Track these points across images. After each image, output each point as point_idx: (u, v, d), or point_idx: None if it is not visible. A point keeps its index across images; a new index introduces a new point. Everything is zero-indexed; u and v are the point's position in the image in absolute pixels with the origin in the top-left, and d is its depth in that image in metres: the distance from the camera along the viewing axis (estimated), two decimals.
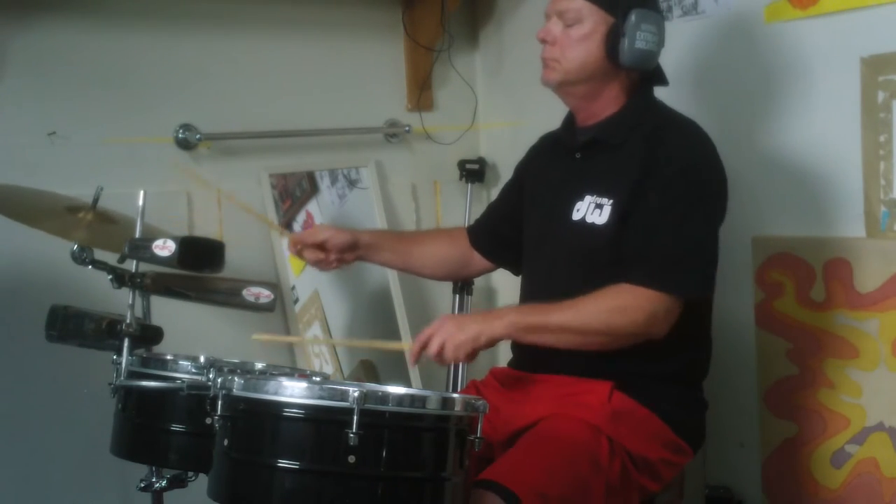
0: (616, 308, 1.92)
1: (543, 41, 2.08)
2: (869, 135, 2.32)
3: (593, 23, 2.01)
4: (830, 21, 2.38)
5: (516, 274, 2.38)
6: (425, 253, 2.42)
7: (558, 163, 2.19)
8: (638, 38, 2.00)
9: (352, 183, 3.10)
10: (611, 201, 2.01)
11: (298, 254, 2.33)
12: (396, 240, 2.47)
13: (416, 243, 2.45)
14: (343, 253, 2.30)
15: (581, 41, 2.02)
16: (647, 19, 2.01)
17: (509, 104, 3.25)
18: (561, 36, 2.04)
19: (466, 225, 2.56)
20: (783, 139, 2.50)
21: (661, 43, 2.06)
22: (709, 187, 2.01)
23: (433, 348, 1.89)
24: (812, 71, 2.43)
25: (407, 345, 2.04)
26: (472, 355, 1.92)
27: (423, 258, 2.41)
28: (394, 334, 3.01)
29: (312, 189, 3.03)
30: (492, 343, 1.94)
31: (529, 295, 2.21)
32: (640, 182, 1.98)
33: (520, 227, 2.28)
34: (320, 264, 2.32)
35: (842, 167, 2.38)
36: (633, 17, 2.00)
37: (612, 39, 2.01)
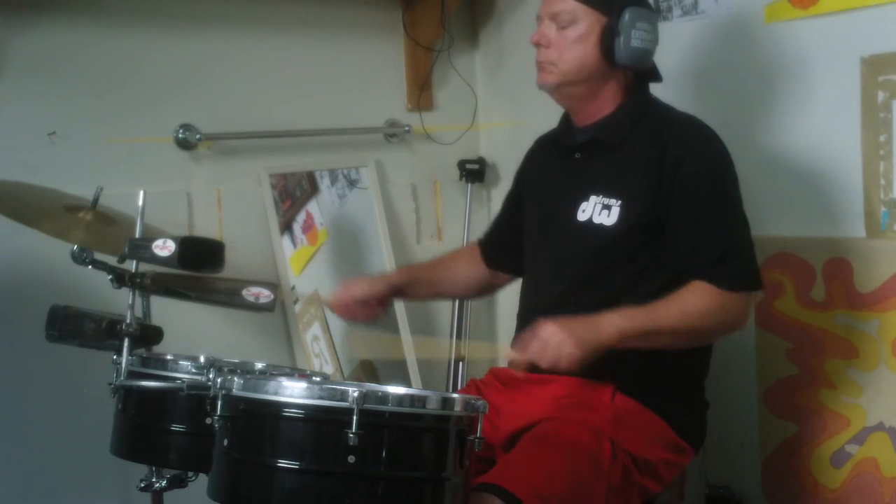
0: (719, 309, 1.95)
1: (538, 44, 2.07)
2: (869, 135, 2.32)
3: (588, 23, 2.01)
4: (830, 21, 2.38)
5: None
6: (453, 277, 2.41)
7: (557, 164, 2.19)
8: (633, 36, 2.00)
9: (352, 183, 3.10)
10: (619, 202, 2.01)
11: (351, 317, 2.27)
12: (424, 272, 2.43)
13: (441, 269, 2.43)
14: (384, 303, 2.27)
15: (577, 42, 2.02)
16: (641, 17, 2.01)
17: (509, 104, 3.25)
18: (556, 38, 2.04)
19: (467, 235, 2.54)
20: (783, 139, 2.50)
21: (655, 40, 2.07)
22: (734, 178, 2.05)
23: (546, 361, 1.83)
24: (812, 71, 2.43)
25: (506, 351, 2.02)
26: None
27: (452, 282, 2.41)
28: (394, 334, 3.00)
29: (312, 189, 3.03)
30: (599, 352, 1.88)
31: (530, 296, 2.21)
32: (657, 184, 1.98)
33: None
34: (367, 318, 2.28)
35: (842, 167, 2.38)
36: (627, 16, 2.00)
37: (608, 39, 2.01)
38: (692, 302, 1.94)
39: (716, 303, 1.95)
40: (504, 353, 2.18)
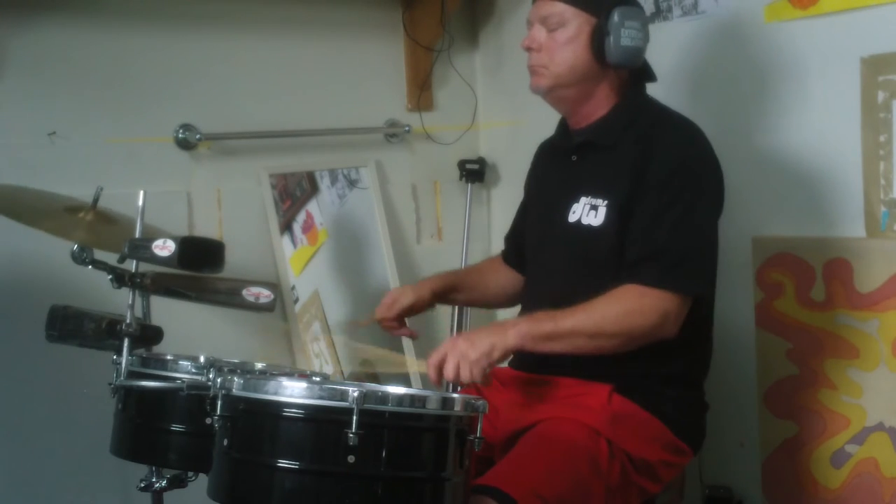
0: (629, 310, 1.91)
1: (529, 49, 2.08)
2: (869, 135, 2.32)
3: (577, 25, 2.02)
4: (830, 21, 2.38)
5: None
6: (488, 283, 2.39)
7: (555, 167, 2.20)
8: (623, 35, 2.00)
9: (352, 183, 3.11)
10: (605, 202, 2.01)
11: (400, 333, 2.28)
12: (462, 277, 2.42)
13: (477, 275, 2.42)
14: (424, 309, 2.28)
15: (567, 44, 2.02)
16: (630, 16, 2.01)
17: (509, 104, 3.25)
18: (546, 41, 2.04)
19: (467, 235, 2.54)
20: (783, 139, 2.50)
21: (646, 38, 2.06)
22: (705, 183, 2.01)
23: (449, 371, 1.85)
24: (812, 71, 2.43)
25: (416, 363, 2.03)
26: (487, 372, 1.89)
27: (487, 288, 2.39)
28: (394, 336, 2.98)
29: (312, 189, 3.03)
30: (506, 355, 1.91)
31: (531, 298, 2.21)
32: (637, 182, 1.97)
33: None
34: (415, 334, 2.30)
35: (842, 167, 2.38)
36: (615, 16, 2.00)
37: (598, 39, 2.01)
38: (601, 305, 1.91)
39: (637, 302, 1.90)
40: (415, 365, 2.19)
